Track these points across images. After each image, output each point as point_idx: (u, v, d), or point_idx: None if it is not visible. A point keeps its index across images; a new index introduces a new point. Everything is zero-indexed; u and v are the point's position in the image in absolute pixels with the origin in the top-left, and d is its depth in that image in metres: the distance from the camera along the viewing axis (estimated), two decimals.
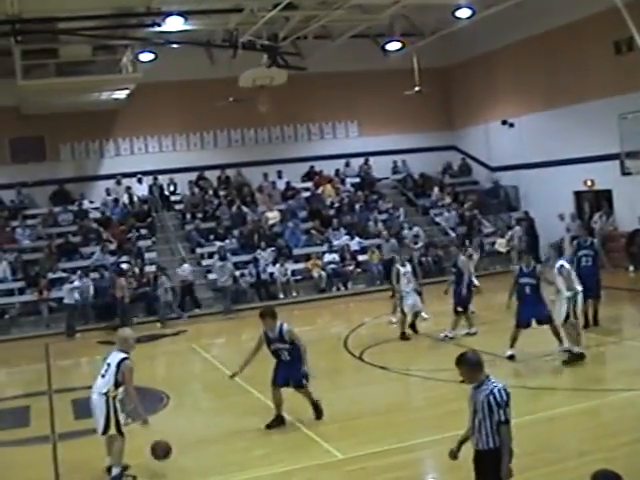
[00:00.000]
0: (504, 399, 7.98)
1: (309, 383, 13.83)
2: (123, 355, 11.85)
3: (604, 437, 11.87)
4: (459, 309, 20.32)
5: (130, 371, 11.72)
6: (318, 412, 14.00)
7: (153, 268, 30.12)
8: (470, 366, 8.19)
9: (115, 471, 11.65)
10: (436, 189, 38.21)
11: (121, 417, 11.75)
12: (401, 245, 31.82)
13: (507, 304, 17.35)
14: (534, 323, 16.87)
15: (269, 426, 13.67)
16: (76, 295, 27.65)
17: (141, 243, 32.32)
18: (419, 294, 21.43)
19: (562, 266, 16.58)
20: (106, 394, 11.65)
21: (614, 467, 6.50)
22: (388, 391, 16.28)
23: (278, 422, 13.79)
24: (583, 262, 19.55)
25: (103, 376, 11.83)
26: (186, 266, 29.89)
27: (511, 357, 16.95)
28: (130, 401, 11.90)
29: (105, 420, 11.64)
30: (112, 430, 11.67)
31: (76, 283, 28.00)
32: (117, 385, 11.69)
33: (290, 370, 13.74)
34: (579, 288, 16.55)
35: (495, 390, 8.01)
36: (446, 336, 20.09)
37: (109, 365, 11.86)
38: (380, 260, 31.73)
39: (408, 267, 21.34)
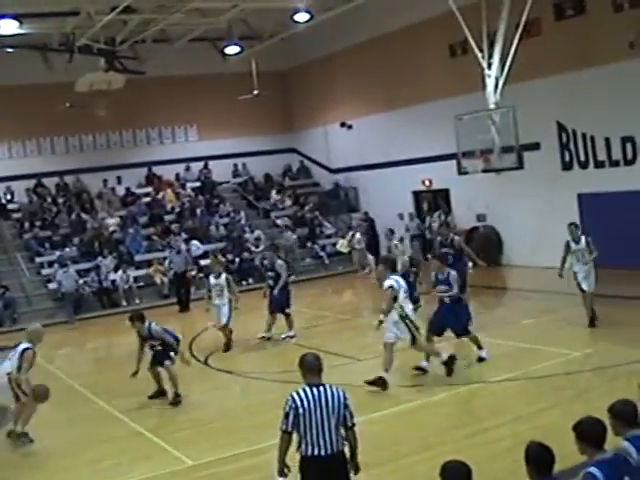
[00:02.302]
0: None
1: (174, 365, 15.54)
2: (27, 345, 13.73)
3: (450, 429, 12.23)
4: (287, 310, 20.98)
5: (29, 360, 13.57)
6: (176, 398, 15.42)
7: None
8: (303, 368, 8.25)
9: (19, 429, 13.60)
10: (273, 192, 38.45)
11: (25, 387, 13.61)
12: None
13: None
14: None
15: (151, 397, 15.75)
16: None
17: None
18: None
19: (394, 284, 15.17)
20: (9, 374, 13.56)
21: (462, 458, 6.70)
22: (235, 395, 16.34)
23: (159, 394, 15.84)
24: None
25: (10, 360, 13.73)
26: None
27: None
28: (24, 385, 13.65)
29: (14, 394, 13.61)
30: (22, 399, 13.61)
31: None
32: (19, 369, 13.53)
33: (162, 356, 15.51)
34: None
35: None
36: (263, 337, 20.80)
37: (16, 352, 13.73)
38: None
39: (222, 279, 20.52)
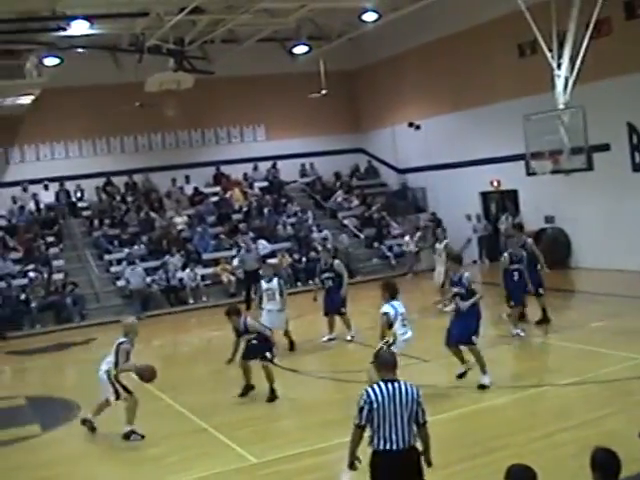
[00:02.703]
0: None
1: (273, 362, 15.72)
2: (122, 339, 13.89)
3: (514, 432, 12.11)
4: (342, 310, 20.76)
5: (124, 353, 13.70)
6: (272, 395, 15.44)
7: (61, 276, 29.67)
8: (378, 364, 8.46)
9: (126, 429, 13.60)
10: (339, 192, 38.45)
11: (125, 382, 13.89)
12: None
13: None
14: None
15: (242, 394, 15.73)
16: None
17: (48, 251, 31.77)
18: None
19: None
20: (107, 372, 13.81)
21: (526, 462, 6.63)
22: (299, 394, 16.28)
23: (248, 389, 15.84)
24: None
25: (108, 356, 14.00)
26: None
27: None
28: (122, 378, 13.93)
29: (114, 391, 13.78)
30: (122, 396, 13.74)
31: None
32: (117, 365, 13.73)
33: (257, 350, 15.54)
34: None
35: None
36: (330, 339, 20.80)
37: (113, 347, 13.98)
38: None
39: (274, 283, 19.95)
